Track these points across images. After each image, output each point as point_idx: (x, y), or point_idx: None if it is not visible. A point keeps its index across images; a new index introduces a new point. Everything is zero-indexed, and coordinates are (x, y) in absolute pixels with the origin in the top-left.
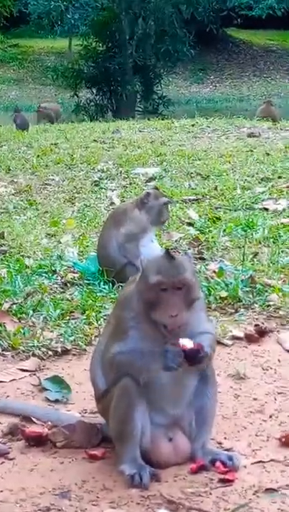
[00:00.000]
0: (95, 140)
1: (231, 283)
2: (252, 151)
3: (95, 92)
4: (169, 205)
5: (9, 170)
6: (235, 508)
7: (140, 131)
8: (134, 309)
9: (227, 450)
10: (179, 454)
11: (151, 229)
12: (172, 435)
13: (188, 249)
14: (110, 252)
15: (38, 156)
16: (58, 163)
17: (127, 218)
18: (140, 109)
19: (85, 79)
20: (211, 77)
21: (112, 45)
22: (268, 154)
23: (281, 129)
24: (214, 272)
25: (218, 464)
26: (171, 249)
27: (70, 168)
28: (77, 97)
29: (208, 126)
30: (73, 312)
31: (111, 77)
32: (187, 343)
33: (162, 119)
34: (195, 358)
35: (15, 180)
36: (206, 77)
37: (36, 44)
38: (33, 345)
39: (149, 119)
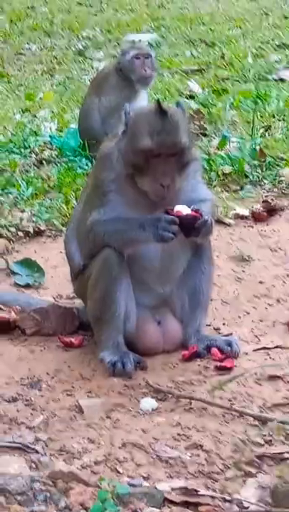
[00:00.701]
0: (79, 3)
1: (237, 157)
2: (267, 14)
3: None
4: (142, 58)
5: None
6: (225, 381)
7: None
8: (115, 170)
9: (225, 336)
10: (169, 340)
11: (140, 93)
12: (161, 318)
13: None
14: (92, 123)
15: (12, 21)
16: (35, 29)
17: (109, 85)
18: None
19: None
20: None
21: None
22: (286, 18)
23: None
24: (217, 148)
25: (214, 350)
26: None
27: (49, 35)
28: None
29: None
30: (49, 192)
31: None
32: (183, 209)
33: None
34: (192, 226)
35: None
36: None
37: None
38: (0, 225)
39: None
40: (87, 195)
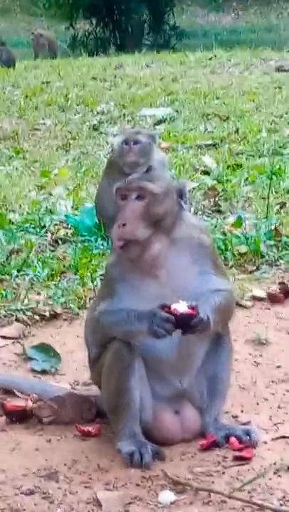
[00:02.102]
0: (94, 78)
1: (252, 237)
2: (280, 87)
3: (94, 23)
4: (130, 145)
5: None
6: (249, 480)
7: (148, 66)
8: (122, 262)
9: (244, 424)
10: (187, 429)
11: None
12: (179, 407)
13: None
14: (105, 204)
15: (27, 96)
16: (50, 104)
17: (115, 168)
18: (148, 43)
19: (83, 7)
20: (233, 3)
21: None
22: None
23: None
24: (232, 225)
25: (232, 439)
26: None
27: (63, 110)
28: (74, 29)
29: (229, 60)
30: (65, 272)
31: (114, 5)
32: (180, 306)
33: (174, 53)
34: (188, 325)
35: None
36: (227, 4)
37: None
38: (17, 309)
39: (158, 53)
40: (100, 288)
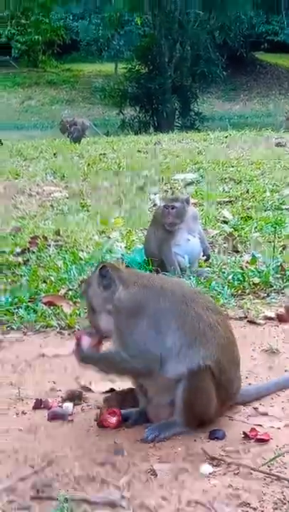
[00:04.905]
0: (139, 151)
1: (263, 271)
2: (279, 159)
3: (138, 109)
4: (169, 209)
5: (64, 177)
6: (271, 458)
7: (179, 142)
8: None
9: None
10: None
11: (177, 231)
12: None
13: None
14: (151, 248)
15: (89, 164)
16: (106, 170)
17: (159, 222)
18: (178, 125)
19: (129, 98)
20: (241, 95)
21: (153, 67)
22: None
23: None
24: (247, 262)
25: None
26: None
27: (117, 174)
28: (123, 114)
29: (240, 138)
30: None
31: (152, 96)
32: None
33: (198, 133)
34: None
35: (69, 185)
36: (237, 96)
37: (86, 68)
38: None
39: (186, 133)
40: None
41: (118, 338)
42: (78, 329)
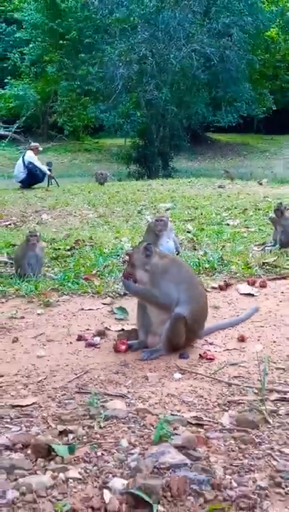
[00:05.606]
0: (138, 190)
1: (211, 260)
2: (220, 194)
3: (138, 166)
4: (159, 222)
5: (94, 205)
6: (215, 370)
7: (162, 185)
8: None
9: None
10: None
11: (162, 235)
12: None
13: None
14: None
15: (109, 197)
16: (119, 201)
17: (150, 232)
18: (161, 175)
19: (133, 159)
20: (199, 158)
21: (146, 141)
22: (228, 196)
23: (236, 183)
24: (201, 255)
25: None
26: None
27: (125, 203)
28: (129, 168)
29: (197, 183)
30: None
31: (146, 158)
32: None
33: (173, 179)
34: None
35: (97, 210)
36: (196, 158)
37: (108, 141)
38: (109, 291)
39: (166, 179)
40: None
41: (151, 286)
42: (104, 293)
